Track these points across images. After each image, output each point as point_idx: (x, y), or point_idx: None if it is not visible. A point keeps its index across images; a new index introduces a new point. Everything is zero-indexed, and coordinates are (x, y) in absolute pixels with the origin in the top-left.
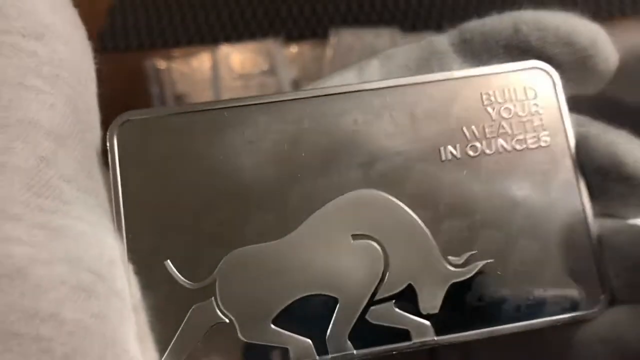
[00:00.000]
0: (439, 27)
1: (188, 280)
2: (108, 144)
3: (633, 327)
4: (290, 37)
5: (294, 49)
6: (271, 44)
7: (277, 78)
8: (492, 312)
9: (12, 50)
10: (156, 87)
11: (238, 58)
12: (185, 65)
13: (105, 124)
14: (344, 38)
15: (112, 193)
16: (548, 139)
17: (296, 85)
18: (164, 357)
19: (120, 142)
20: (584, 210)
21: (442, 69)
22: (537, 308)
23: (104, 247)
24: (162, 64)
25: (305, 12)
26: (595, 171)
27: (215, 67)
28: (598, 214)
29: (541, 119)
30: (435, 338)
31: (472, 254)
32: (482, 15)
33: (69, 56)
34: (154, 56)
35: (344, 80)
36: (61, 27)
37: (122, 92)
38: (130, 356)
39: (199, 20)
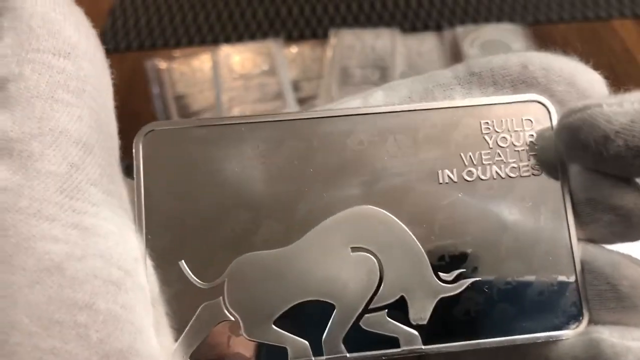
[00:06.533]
0: (438, 28)
1: (200, 280)
2: (134, 152)
3: (607, 349)
4: (290, 38)
5: (294, 49)
6: (271, 45)
7: (277, 78)
8: (476, 326)
9: (44, 67)
10: (157, 87)
11: (238, 58)
12: (186, 66)
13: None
14: (344, 38)
15: (135, 196)
16: (540, 168)
17: (296, 85)
18: (174, 348)
19: (144, 150)
20: (569, 236)
21: (445, 98)
22: (519, 325)
23: (129, 245)
24: (162, 64)
25: (305, 13)
26: (587, 202)
27: (215, 67)
28: (583, 239)
29: (535, 149)
30: (423, 347)
31: (461, 272)
32: (480, 17)
33: (92, 72)
34: (155, 56)
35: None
36: (85, 46)
37: (123, 92)
38: (152, 343)
39: (199, 21)
